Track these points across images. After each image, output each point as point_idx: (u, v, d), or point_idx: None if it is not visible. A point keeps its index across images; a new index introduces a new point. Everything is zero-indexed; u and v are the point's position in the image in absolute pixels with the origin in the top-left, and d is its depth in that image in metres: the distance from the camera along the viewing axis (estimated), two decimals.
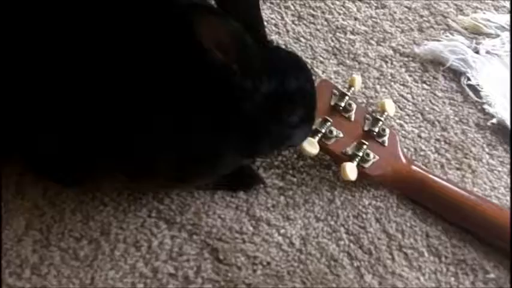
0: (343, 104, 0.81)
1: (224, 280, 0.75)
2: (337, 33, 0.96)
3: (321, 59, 0.93)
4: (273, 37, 0.94)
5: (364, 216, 0.81)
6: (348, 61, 0.93)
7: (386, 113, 0.83)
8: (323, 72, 0.92)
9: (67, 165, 0.72)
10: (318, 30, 0.96)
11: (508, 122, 0.88)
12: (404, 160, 0.82)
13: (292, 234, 0.79)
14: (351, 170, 0.78)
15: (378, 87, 0.91)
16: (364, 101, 0.90)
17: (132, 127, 0.65)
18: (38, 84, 0.65)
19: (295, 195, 0.82)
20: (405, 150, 0.86)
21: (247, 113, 0.66)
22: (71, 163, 0.71)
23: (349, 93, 0.82)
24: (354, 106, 0.82)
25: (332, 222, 0.80)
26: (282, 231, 0.79)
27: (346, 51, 0.94)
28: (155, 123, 0.64)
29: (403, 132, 0.88)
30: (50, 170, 0.76)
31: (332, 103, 0.82)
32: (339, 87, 0.85)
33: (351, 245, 0.79)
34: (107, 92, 0.64)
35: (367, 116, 0.82)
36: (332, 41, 0.95)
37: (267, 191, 0.81)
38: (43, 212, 0.76)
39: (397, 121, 0.89)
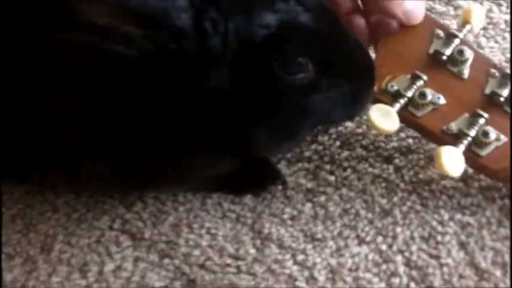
0: (448, 52, 0.50)
1: None
2: None
3: None
4: None
5: (439, 238, 0.50)
6: None
7: None
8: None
9: (12, 157, 0.53)
10: None
11: None
12: None
13: (316, 264, 0.50)
14: (451, 159, 0.46)
15: None
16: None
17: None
18: None
19: (329, 203, 0.53)
20: None
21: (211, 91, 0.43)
22: (17, 154, 0.52)
23: (461, 35, 0.51)
24: (470, 55, 0.50)
25: (384, 247, 0.50)
26: (300, 257, 0.50)
27: None
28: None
29: None
30: None
31: (431, 51, 0.51)
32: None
33: (412, 285, 0.48)
34: None
35: (493, 71, 0.50)
36: None
37: (287, 194, 0.54)
38: None
39: None
